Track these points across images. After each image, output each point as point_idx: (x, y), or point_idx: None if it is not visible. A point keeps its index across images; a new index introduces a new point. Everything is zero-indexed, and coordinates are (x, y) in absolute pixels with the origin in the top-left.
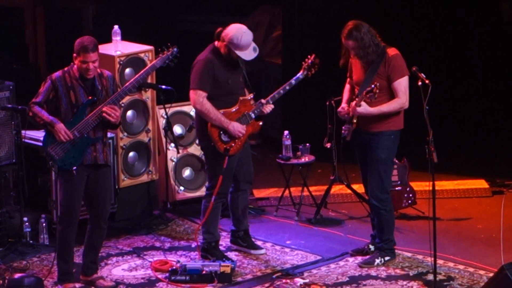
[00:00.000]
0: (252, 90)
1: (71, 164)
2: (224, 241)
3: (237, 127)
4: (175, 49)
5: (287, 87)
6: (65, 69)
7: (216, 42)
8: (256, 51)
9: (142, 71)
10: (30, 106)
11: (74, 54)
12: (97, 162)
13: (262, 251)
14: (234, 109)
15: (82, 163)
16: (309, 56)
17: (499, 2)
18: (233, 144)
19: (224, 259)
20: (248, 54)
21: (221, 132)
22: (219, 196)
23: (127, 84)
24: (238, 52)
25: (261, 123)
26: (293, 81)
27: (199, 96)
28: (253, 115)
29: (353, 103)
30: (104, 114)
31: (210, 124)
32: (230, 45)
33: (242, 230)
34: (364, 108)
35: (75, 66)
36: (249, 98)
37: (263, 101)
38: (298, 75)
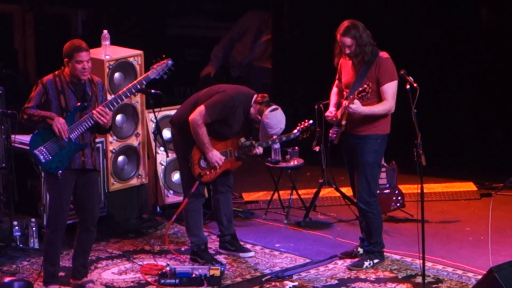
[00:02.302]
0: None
1: (57, 168)
2: (214, 245)
3: (216, 156)
4: (170, 62)
5: (277, 141)
6: (56, 73)
7: (253, 101)
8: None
9: (135, 81)
10: (23, 110)
11: (66, 59)
12: (85, 167)
13: (251, 254)
14: (221, 143)
15: (70, 167)
16: (306, 120)
17: (479, 7)
18: (207, 172)
19: (213, 262)
20: (268, 135)
21: (202, 158)
22: (195, 198)
23: (120, 92)
24: (268, 129)
25: (240, 163)
26: (284, 137)
27: (202, 117)
28: (236, 154)
29: (346, 102)
30: (95, 115)
31: (195, 147)
32: (261, 126)
33: (228, 234)
34: (358, 106)
35: (66, 70)
36: (238, 138)
37: (254, 143)
38: (291, 134)
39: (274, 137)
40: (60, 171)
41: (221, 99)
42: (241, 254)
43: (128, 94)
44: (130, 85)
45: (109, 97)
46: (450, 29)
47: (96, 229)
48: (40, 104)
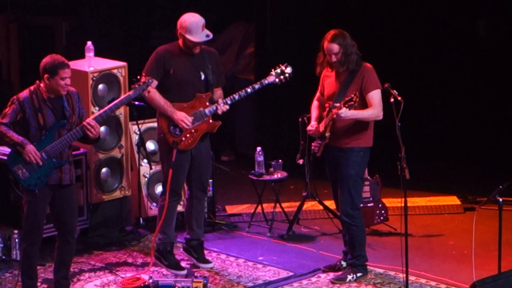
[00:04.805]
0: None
1: (36, 185)
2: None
3: (181, 116)
4: (150, 80)
5: (249, 90)
6: (31, 89)
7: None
8: (208, 37)
9: (116, 101)
10: None
11: (46, 75)
12: (62, 183)
13: (211, 265)
14: (187, 104)
15: (47, 183)
16: (280, 65)
17: (475, 19)
18: (183, 139)
19: (176, 267)
20: (199, 36)
21: (171, 125)
22: (172, 195)
23: (101, 112)
24: (189, 36)
25: (219, 123)
26: (256, 85)
27: None
28: (207, 113)
29: (335, 110)
30: (85, 127)
31: (159, 115)
32: (181, 30)
33: (195, 239)
34: (346, 111)
35: (42, 86)
36: (205, 96)
37: (220, 101)
38: (263, 80)
39: (243, 90)
40: (37, 188)
41: (149, 58)
42: (201, 265)
43: (110, 113)
44: (111, 105)
45: (92, 108)
46: (443, 43)
47: (75, 241)
48: (15, 121)
